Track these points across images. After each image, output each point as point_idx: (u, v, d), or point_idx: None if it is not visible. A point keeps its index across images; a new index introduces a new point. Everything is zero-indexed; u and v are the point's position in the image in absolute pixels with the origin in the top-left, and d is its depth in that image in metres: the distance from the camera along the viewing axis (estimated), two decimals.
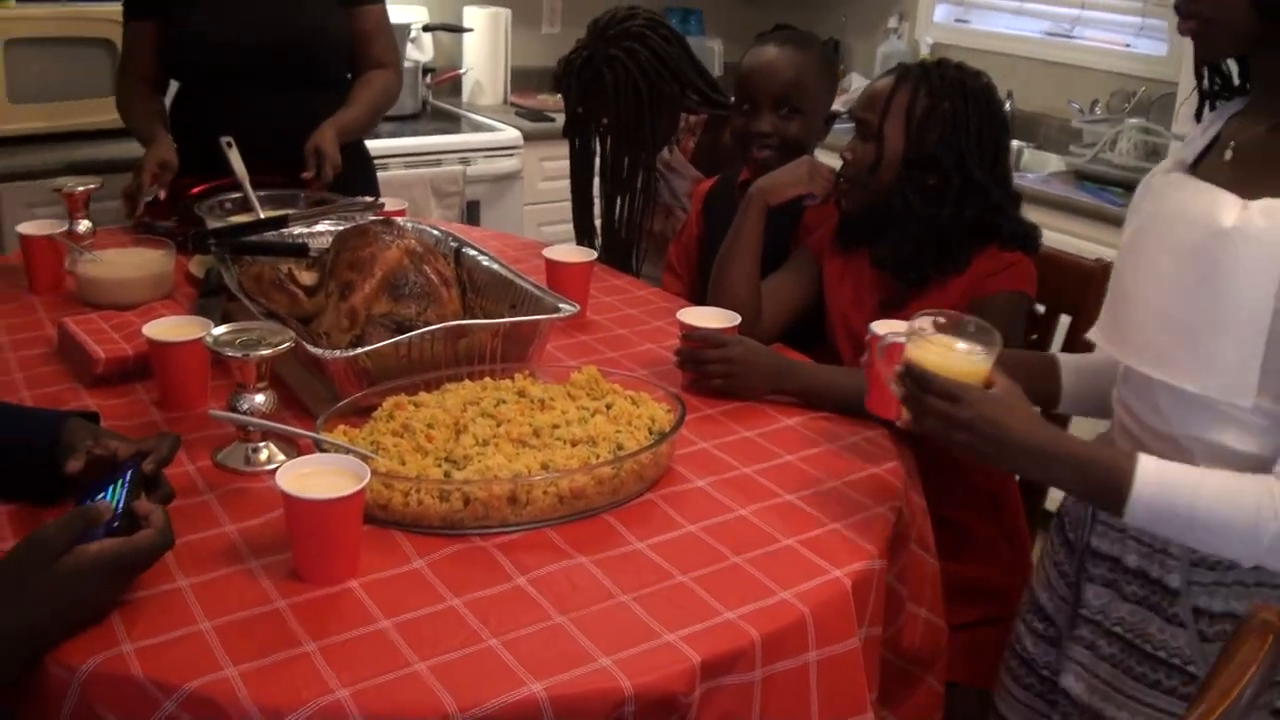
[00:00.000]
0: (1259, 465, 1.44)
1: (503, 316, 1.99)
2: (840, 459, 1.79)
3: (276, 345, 1.65)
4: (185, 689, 1.21)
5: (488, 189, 4.15)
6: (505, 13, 4.58)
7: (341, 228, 2.15)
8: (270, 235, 2.23)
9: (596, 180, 2.88)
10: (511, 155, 4.18)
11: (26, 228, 2.32)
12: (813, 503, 1.64)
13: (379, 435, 1.64)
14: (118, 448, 1.49)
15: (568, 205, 3.00)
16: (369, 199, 2.53)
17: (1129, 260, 1.60)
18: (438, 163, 3.95)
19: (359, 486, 1.38)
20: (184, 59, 2.81)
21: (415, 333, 1.81)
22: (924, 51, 4.70)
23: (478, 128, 4.30)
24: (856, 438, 1.86)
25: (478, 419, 1.66)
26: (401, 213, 2.52)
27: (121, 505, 1.35)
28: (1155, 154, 3.75)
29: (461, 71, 4.67)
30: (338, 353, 1.77)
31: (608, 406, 1.75)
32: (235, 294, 1.98)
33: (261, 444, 1.67)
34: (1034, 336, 2.30)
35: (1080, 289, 2.22)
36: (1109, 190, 3.66)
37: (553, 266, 2.30)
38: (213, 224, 2.35)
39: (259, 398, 1.66)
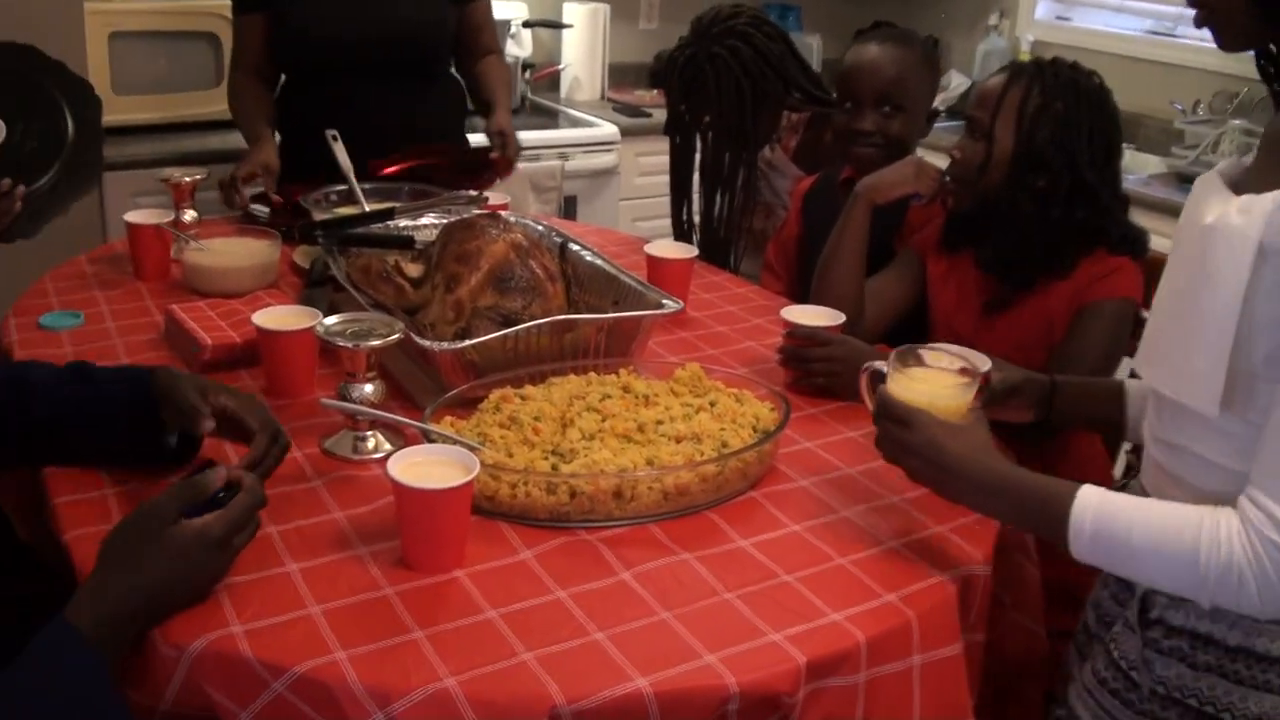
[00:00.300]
0: (1240, 481, 1.32)
1: (606, 312, 1.99)
2: None
3: (387, 336, 1.67)
4: (295, 671, 1.23)
5: (585, 184, 4.16)
6: (604, 8, 4.59)
7: (447, 221, 2.16)
8: (376, 227, 2.25)
9: (695, 177, 2.88)
10: (609, 151, 4.19)
11: (134, 216, 2.37)
12: (917, 505, 1.63)
13: (486, 427, 1.65)
14: (227, 404, 1.53)
15: (664, 201, 3.00)
16: (473, 192, 2.55)
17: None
18: (536, 158, 3.97)
19: (469, 477, 1.39)
20: (289, 52, 2.85)
21: (523, 326, 1.82)
22: (1024, 49, 4.64)
23: (575, 123, 4.31)
24: None
25: (583, 413, 1.67)
26: (505, 207, 2.53)
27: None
28: None
29: (560, 67, 4.69)
30: (446, 345, 1.79)
31: (711, 404, 1.74)
32: (342, 285, 2.01)
33: (369, 433, 1.70)
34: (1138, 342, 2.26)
35: None
36: None
37: (655, 262, 2.30)
38: (319, 216, 2.38)
39: (368, 387, 1.68)
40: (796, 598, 1.40)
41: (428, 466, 1.42)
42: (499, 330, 1.83)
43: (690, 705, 1.23)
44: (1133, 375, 1.72)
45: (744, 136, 2.71)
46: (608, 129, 4.23)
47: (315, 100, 2.82)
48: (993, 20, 4.77)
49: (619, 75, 4.76)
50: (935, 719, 1.41)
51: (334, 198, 2.53)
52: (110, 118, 3.45)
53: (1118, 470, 2.29)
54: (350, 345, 1.65)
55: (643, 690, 1.22)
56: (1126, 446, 2.23)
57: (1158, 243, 2.07)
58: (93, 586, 1.26)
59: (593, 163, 4.16)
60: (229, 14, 3.00)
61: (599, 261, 2.12)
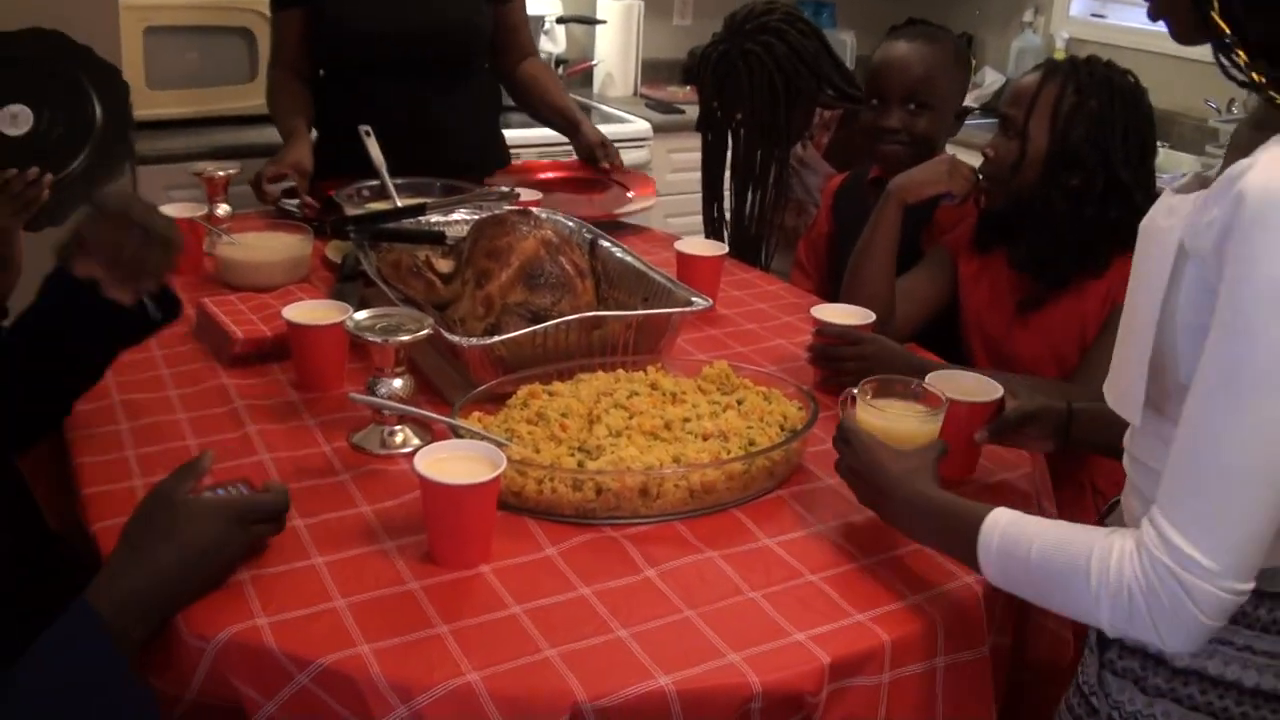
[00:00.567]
0: None
1: (635, 308, 1.99)
2: None
3: (416, 331, 1.67)
4: (319, 663, 1.23)
5: None
6: (638, 4, 4.59)
7: (478, 217, 2.17)
8: (407, 223, 2.26)
9: (727, 174, 2.88)
10: (641, 147, 4.18)
11: (167, 210, 2.37)
12: None
13: (513, 423, 1.65)
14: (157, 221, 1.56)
15: (695, 198, 3.00)
16: (505, 188, 2.55)
17: None
18: (568, 154, 3.96)
19: (496, 473, 1.39)
20: (326, 47, 2.85)
21: (552, 322, 1.82)
22: (1059, 46, 4.61)
23: (608, 119, 4.31)
24: None
25: (611, 410, 1.67)
26: (537, 203, 2.54)
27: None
28: None
29: (593, 63, 4.70)
30: (475, 340, 1.79)
31: (739, 402, 1.74)
32: (373, 279, 2.01)
33: (397, 427, 1.70)
34: None
35: None
36: None
37: (684, 259, 2.30)
38: (351, 211, 2.39)
39: (396, 382, 1.68)
40: (821, 598, 1.40)
41: (454, 462, 1.42)
42: (528, 326, 1.83)
43: (713, 704, 1.23)
44: None
45: (776, 133, 2.70)
46: (640, 125, 4.22)
47: (351, 97, 2.82)
48: (1028, 17, 4.74)
49: (652, 71, 4.76)
50: None
51: (366, 193, 2.53)
52: (144, 112, 3.49)
53: None
54: (380, 340, 1.65)
55: (665, 688, 1.22)
56: None
57: None
58: (110, 569, 1.28)
59: (625, 159, 4.13)
60: (263, 9, 3.01)
61: (629, 258, 2.11)
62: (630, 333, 1.90)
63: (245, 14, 3.57)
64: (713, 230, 2.92)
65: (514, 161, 3.15)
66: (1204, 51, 1.22)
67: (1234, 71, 1.17)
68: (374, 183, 2.55)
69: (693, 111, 2.91)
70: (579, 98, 4.56)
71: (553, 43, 4.49)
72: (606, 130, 4.11)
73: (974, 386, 1.66)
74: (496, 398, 1.74)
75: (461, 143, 2.88)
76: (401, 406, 1.67)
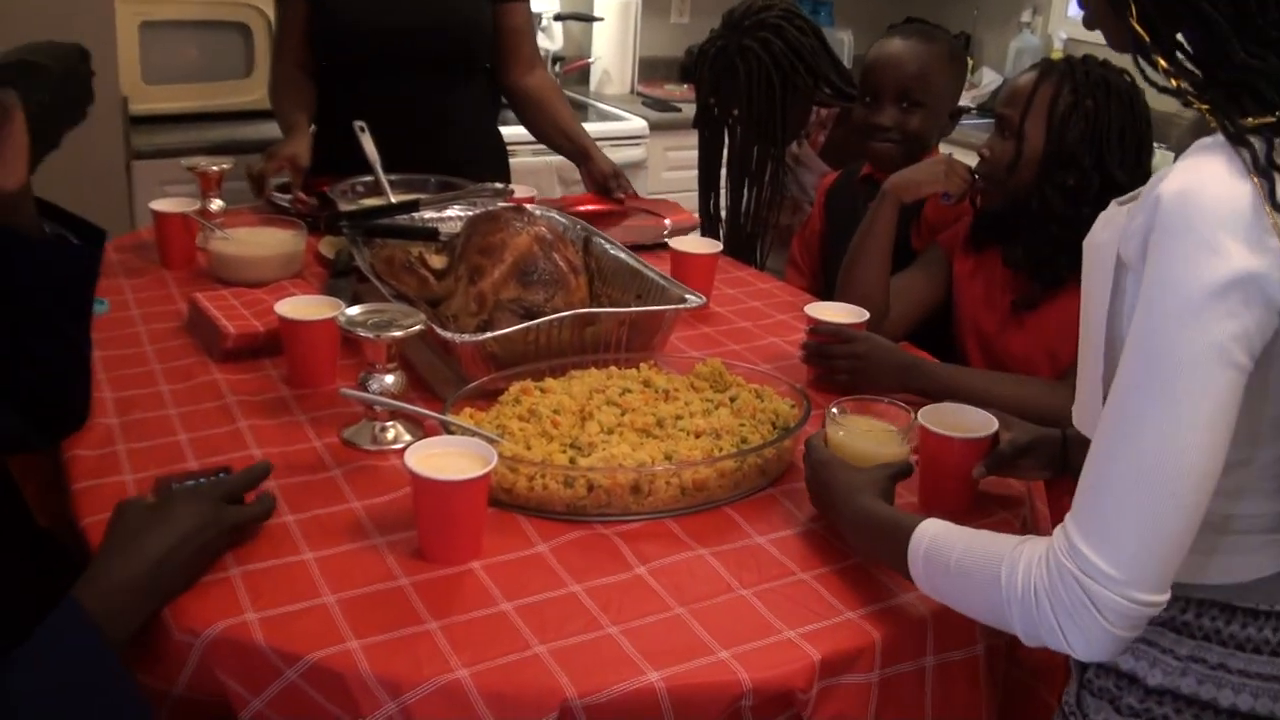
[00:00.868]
0: None
1: (629, 305, 1.99)
2: None
3: (408, 327, 1.66)
4: (308, 659, 1.23)
5: None
6: (635, 2, 4.59)
7: (471, 213, 2.16)
8: (401, 219, 2.25)
9: (723, 171, 2.87)
10: (637, 144, 4.18)
11: (160, 204, 2.38)
12: None
13: (505, 419, 1.65)
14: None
15: (692, 195, 2.99)
16: (499, 185, 2.55)
17: None
18: None
19: (486, 469, 1.39)
20: (328, 42, 2.83)
21: (544, 319, 1.82)
22: (1057, 46, 4.61)
23: (604, 116, 4.30)
24: None
25: (603, 407, 1.66)
26: (531, 199, 2.53)
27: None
28: None
29: (590, 60, 4.69)
30: (467, 336, 1.79)
31: (731, 399, 1.74)
32: (366, 275, 2.01)
33: (388, 423, 1.70)
34: None
35: None
36: None
37: (678, 257, 2.29)
38: (345, 207, 2.38)
39: (388, 378, 1.68)
40: (812, 595, 1.40)
41: (446, 458, 1.42)
42: (521, 323, 1.83)
43: (703, 701, 1.23)
44: None
45: (773, 131, 2.70)
46: (637, 123, 4.22)
47: (352, 93, 2.80)
48: (1025, 17, 4.73)
49: (649, 69, 4.76)
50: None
51: (360, 189, 2.53)
52: (140, 107, 3.49)
53: None
54: (372, 336, 1.65)
55: (655, 685, 1.22)
56: None
57: None
58: (96, 564, 1.28)
59: (621, 156, 4.12)
60: (259, 4, 3.00)
61: (622, 255, 2.11)
62: (623, 330, 1.89)
63: (242, 9, 3.57)
64: (709, 225, 2.92)
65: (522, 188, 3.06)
66: None
67: (1155, 77, 1.16)
68: (368, 178, 2.55)
69: (689, 109, 2.91)
70: (576, 95, 4.56)
71: (550, 39, 4.48)
72: (603, 128, 4.13)
73: (968, 421, 1.64)
74: (488, 394, 1.73)
75: (460, 141, 2.87)
76: (393, 402, 1.66)
